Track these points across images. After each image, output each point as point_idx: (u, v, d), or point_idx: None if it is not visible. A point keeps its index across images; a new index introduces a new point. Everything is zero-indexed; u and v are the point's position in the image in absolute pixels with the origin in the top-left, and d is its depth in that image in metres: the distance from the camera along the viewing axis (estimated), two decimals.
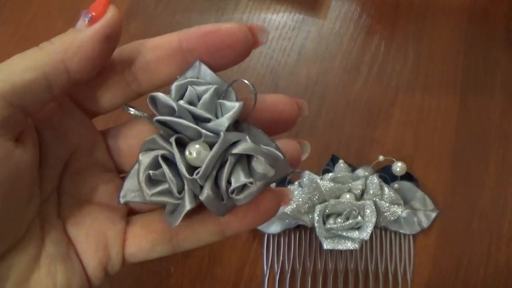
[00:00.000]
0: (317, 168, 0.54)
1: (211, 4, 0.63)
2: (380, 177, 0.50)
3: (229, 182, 0.29)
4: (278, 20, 0.62)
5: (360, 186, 0.49)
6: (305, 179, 0.49)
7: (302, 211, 0.48)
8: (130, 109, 0.32)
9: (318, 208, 0.48)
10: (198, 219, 0.33)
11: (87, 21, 0.29)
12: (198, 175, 0.29)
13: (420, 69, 0.59)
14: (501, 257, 0.51)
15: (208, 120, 0.30)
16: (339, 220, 0.47)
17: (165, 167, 0.30)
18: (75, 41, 0.29)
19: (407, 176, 0.52)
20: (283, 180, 0.52)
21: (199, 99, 0.30)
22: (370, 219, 0.47)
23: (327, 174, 0.51)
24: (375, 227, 0.49)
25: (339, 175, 0.50)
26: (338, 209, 0.48)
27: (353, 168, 0.52)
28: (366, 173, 0.51)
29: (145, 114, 0.32)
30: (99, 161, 0.33)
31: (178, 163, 0.29)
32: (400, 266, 0.50)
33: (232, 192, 0.29)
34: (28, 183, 0.29)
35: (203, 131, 0.29)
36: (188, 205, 0.29)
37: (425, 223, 0.51)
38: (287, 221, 0.50)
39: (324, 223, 0.48)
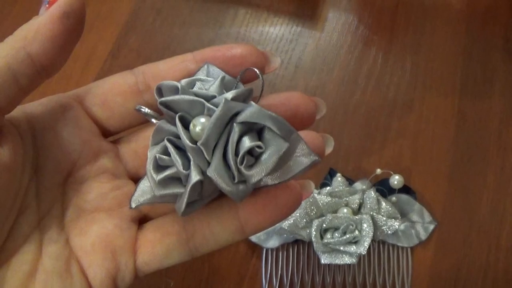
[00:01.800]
0: (315, 181, 0.54)
1: (209, 18, 0.63)
2: (378, 190, 0.50)
3: (237, 155, 0.28)
4: (276, 33, 0.62)
5: (357, 201, 0.49)
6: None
7: (299, 226, 0.48)
8: (142, 109, 0.31)
9: (315, 223, 0.48)
10: (214, 216, 0.31)
11: (47, 6, 0.28)
12: (200, 142, 0.27)
13: (418, 80, 0.59)
14: (500, 268, 0.51)
15: (213, 97, 0.29)
16: (337, 234, 0.48)
17: (170, 147, 0.28)
18: (33, 25, 0.28)
19: (405, 189, 0.53)
20: None
21: None
22: (367, 233, 0.47)
23: (324, 188, 0.51)
24: (373, 240, 0.49)
25: (337, 189, 0.50)
26: (336, 224, 0.48)
27: (350, 182, 0.52)
28: (364, 187, 0.51)
29: (157, 113, 0.31)
30: (107, 168, 0.32)
31: (181, 137, 0.28)
32: (398, 279, 0.50)
33: (242, 162, 0.27)
34: (9, 189, 0.28)
35: (207, 104, 0.28)
36: (194, 177, 0.27)
37: (423, 236, 0.51)
38: (285, 235, 0.50)
39: (322, 237, 0.48)
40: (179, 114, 0.28)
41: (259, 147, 0.27)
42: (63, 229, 0.32)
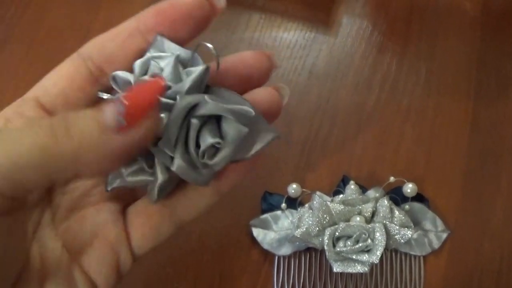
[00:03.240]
0: (329, 188, 0.54)
1: (222, 22, 0.63)
2: (391, 198, 0.50)
3: (198, 147, 0.29)
4: (289, 39, 0.62)
5: (370, 209, 0.49)
6: (315, 202, 0.49)
7: (312, 234, 0.48)
8: (104, 95, 0.31)
9: (328, 231, 0.48)
10: (188, 186, 0.33)
11: (118, 117, 0.25)
12: (160, 142, 0.28)
13: (432, 86, 0.59)
14: None
15: (169, 88, 0.29)
16: (349, 243, 0.47)
17: None
18: (97, 148, 0.25)
19: (418, 197, 0.52)
20: (294, 202, 0.52)
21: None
22: (380, 242, 0.47)
23: (337, 196, 0.51)
24: (385, 249, 0.48)
25: (350, 197, 0.50)
26: (348, 232, 0.48)
27: (364, 190, 0.52)
28: (377, 195, 0.51)
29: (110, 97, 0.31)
30: None
31: None
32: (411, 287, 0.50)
33: (203, 156, 0.29)
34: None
35: (162, 100, 0.28)
36: (160, 177, 0.29)
37: (436, 244, 0.51)
38: (298, 243, 0.50)
39: (334, 246, 0.48)
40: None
41: (218, 144, 0.29)
42: (56, 234, 0.32)
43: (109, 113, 0.25)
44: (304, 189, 0.53)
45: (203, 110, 0.28)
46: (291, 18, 0.63)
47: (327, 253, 0.47)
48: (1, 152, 0.24)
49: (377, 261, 0.46)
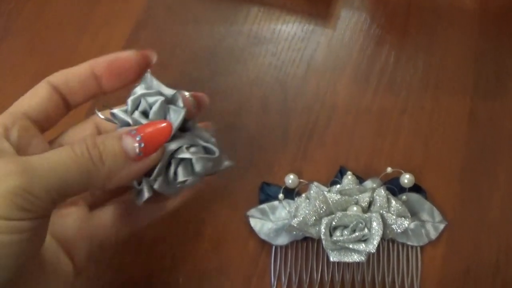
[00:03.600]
0: (326, 179, 0.54)
1: (221, 15, 0.63)
2: (388, 189, 0.50)
3: (175, 173, 0.38)
4: (288, 31, 0.62)
5: (367, 199, 0.48)
6: (312, 192, 0.49)
7: (308, 223, 0.48)
8: (100, 114, 0.39)
9: (324, 220, 0.48)
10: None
11: (138, 150, 0.35)
12: (152, 177, 0.37)
13: (430, 79, 0.59)
14: (509, 270, 0.51)
15: None
16: (346, 232, 0.47)
17: None
18: (121, 171, 0.35)
19: (415, 188, 0.52)
20: (291, 192, 0.52)
21: (151, 108, 0.37)
22: (376, 232, 0.47)
23: (334, 186, 0.51)
24: (382, 239, 0.48)
25: (347, 187, 0.50)
26: (345, 222, 0.48)
27: (361, 180, 0.52)
28: (374, 185, 0.51)
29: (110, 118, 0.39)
30: None
31: None
32: (407, 278, 0.50)
33: (176, 181, 0.38)
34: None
35: None
36: (146, 194, 0.37)
37: (433, 235, 0.51)
38: (295, 233, 0.50)
39: (331, 235, 0.48)
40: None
41: (187, 180, 0.38)
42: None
43: (131, 146, 0.34)
44: (301, 180, 0.53)
45: (181, 155, 0.37)
46: (289, 11, 0.63)
47: (323, 242, 0.47)
48: (54, 175, 0.31)
49: (374, 251, 0.46)
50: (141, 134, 0.35)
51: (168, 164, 0.38)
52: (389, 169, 0.51)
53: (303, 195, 0.51)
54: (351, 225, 0.47)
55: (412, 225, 0.51)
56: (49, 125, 0.40)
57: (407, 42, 0.61)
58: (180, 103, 0.38)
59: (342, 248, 0.48)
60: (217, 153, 0.39)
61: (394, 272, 0.50)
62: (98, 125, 0.43)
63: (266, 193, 0.53)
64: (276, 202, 0.52)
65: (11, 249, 0.31)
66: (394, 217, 0.48)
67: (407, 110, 0.57)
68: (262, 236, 0.51)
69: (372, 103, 0.58)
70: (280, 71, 0.60)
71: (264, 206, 0.52)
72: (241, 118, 0.58)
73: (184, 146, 0.37)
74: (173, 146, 0.37)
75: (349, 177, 0.51)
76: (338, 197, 0.48)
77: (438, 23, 0.62)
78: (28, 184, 0.30)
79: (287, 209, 0.52)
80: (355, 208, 0.48)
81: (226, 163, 0.41)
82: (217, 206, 0.54)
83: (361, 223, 0.47)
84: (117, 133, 0.35)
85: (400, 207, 0.48)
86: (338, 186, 0.50)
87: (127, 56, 0.41)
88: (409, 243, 0.51)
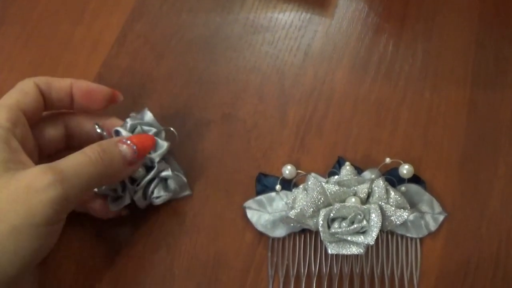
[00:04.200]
0: (324, 170, 0.53)
1: (217, 3, 0.63)
2: (387, 180, 0.49)
3: (152, 192, 0.50)
4: (285, 20, 0.61)
5: (365, 190, 0.48)
6: (310, 183, 0.48)
7: (306, 215, 0.47)
8: (98, 128, 0.48)
9: (322, 212, 0.47)
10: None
11: (133, 156, 0.44)
12: (138, 187, 0.49)
13: (429, 68, 0.58)
14: (510, 263, 0.50)
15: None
16: (344, 224, 0.47)
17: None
18: (121, 173, 0.44)
19: (415, 179, 0.52)
20: (288, 184, 0.52)
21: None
22: (375, 223, 0.46)
23: (332, 177, 0.50)
24: (381, 230, 0.48)
25: (345, 178, 0.49)
26: (343, 213, 0.47)
27: (359, 171, 0.51)
28: (373, 176, 0.50)
29: (105, 133, 0.49)
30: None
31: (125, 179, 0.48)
32: (407, 270, 0.50)
33: (153, 198, 0.50)
34: None
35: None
36: (127, 200, 0.49)
37: (433, 227, 0.51)
38: (292, 225, 0.49)
39: (329, 227, 0.47)
40: None
41: (162, 195, 0.50)
42: None
43: (129, 153, 0.43)
44: (299, 171, 0.52)
45: (165, 175, 0.50)
46: None
47: (321, 234, 0.47)
48: (81, 182, 0.38)
49: (373, 243, 0.46)
50: (134, 141, 0.44)
51: (150, 182, 0.49)
52: (387, 160, 0.51)
53: (301, 186, 0.50)
54: (350, 216, 0.46)
55: (411, 217, 0.50)
56: (31, 123, 0.44)
57: (406, 30, 0.60)
58: (163, 136, 0.51)
59: (340, 240, 0.47)
60: (185, 180, 0.52)
61: (393, 264, 0.50)
62: (66, 125, 0.48)
63: (263, 184, 0.53)
64: (273, 194, 0.52)
65: (45, 251, 0.38)
66: (393, 208, 0.47)
67: (406, 100, 0.57)
68: (259, 228, 0.51)
69: (370, 93, 0.57)
70: (277, 60, 0.59)
71: (261, 197, 0.52)
72: (237, 108, 0.57)
73: (169, 169, 0.50)
74: (160, 167, 0.49)
75: (347, 168, 0.50)
76: (336, 188, 0.47)
77: (437, 11, 0.61)
78: (66, 193, 0.36)
79: (285, 200, 0.51)
80: (353, 200, 0.47)
81: (187, 192, 0.53)
82: (213, 197, 0.53)
83: (360, 214, 0.46)
84: (114, 141, 0.43)
85: (399, 198, 0.47)
86: (336, 177, 0.50)
87: (102, 90, 0.48)
88: (408, 235, 0.50)
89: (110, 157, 0.41)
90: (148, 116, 0.51)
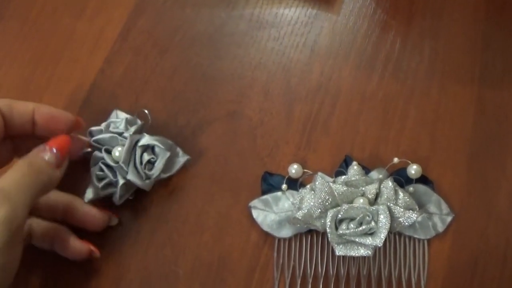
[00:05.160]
0: (330, 168, 0.53)
1: None
2: (395, 180, 0.49)
3: (142, 164, 0.50)
4: (290, 15, 0.61)
5: (374, 190, 0.47)
6: (317, 183, 0.47)
7: (313, 216, 0.47)
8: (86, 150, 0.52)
9: (330, 213, 0.46)
10: None
11: (57, 157, 0.45)
12: (121, 161, 0.49)
13: (437, 66, 0.58)
14: None
15: (122, 133, 0.51)
16: (352, 225, 0.46)
17: (103, 167, 0.50)
18: (51, 175, 0.44)
19: (422, 179, 0.51)
20: (295, 183, 0.51)
21: (117, 127, 0.52)
22: (384, 225, 0.45)
23: (340, 177, 0.49)
24: (389, 232, 0.47)
25: (353, 178, 0.48)
26: (351, 214, 0.46)
27: (367, 171, 0.51)
28: (381, 176, 0.49)
29: (88, 150, 0.52)
30: None
31: (107, 160, 0.50)
32: (414, 272, 0.49)
33: (145, 168, 0.50)
34: None
35: (119, 137, 0.51)
36: (120, 181, 0.50)
37: (440, 228, 0.50)
38: (298, 225, 0.48)
39: (337, 228, 0.47)
40: (104, 147, 0.51)
41: (153, 158, 0.51)
42: None
43: (53, 157, 0.44)
44: (305, 170, 0.51)
45: (142, 142, 0.51)
46: None
47: (329, 236, 0.46)
48: (25, 195, 0.40)
49: (381, 245, 0.45)
50: (52, 145, 0.45)
51: (134, 157, 0.50)
52: (395, 160, 0.50)
53: (308, 186, 0.49)
54: (358, 218, 0.46)
55: (419, 218, 0.49)
56: None
57: (413, 28, 0.59)
58: (138, 122, 0.53)
59: (348, 241, 0.46)
60: (170, 142, 0.52)
61: (401, 266, 0.49)
62: (3, 114, 0.46)
63: (268, 183, 0.52)
64: (279, 193, 0.51)
65: (8, 277, 0.39)
66: (402, 210, 0.46)
67: (413, 98, 0.56)
68: (265, 228, 0.50)
69: (377, 90, 0.56)
70: (283, 56, 0.58)
71: (267, 196, 0.51)
72: (242, 105, 0.56)
73: (144, 133, 0.52)
74: (134, 136, 0.51)
75: (354, 168, 0.49)
76: (344, 188, 0.47)
77: (444, 8, 0.60)
78: (14, 209, 0.38)
79: (291, 200, 0.50)
80: (361, 200, 0.47)
81: (185, 157, 0.53)
82: (218, 196, 0.53)
83: (368, 216, 0.46)
84: (36, 152, 0.44)
85: (408, 200, 0.47)
86: (343, 177, 0.49)
87: (65, 116, 0.48)
88: (416, 236, 0.50)
89: (38, 167, 0.42)
90: (115, 112, 0.54)
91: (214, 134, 0.55)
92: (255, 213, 0.51)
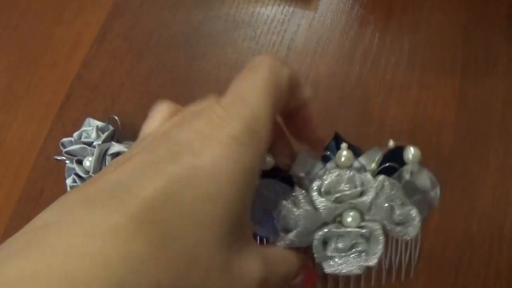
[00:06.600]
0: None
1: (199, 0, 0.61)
2: (389, 169, 0.42)
3: None
4: (267, 14, 0.60)
5: (367, 203, 0.39)
6: (300, 197, 0.39)
7: (306, 234, 0.40)
8: (58, 158, 0.52)
9: (316, 236, 0.39)
10: None
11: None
12: (91, 172, 0.49)
13: (417, 61, 0.57)
14: (503, 260, 0.49)
15: (92, 143, 0.51)
16: (340, 245, 0.39)
17: (76, 178, 0.50)
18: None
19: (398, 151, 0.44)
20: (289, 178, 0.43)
21: (88, 135, 0.52)
22: (378, 250, 0.39)
23: (324, 178, 0.40)
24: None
25: (340, 188, 0.40)
26: (340, 234, 0.40)
27: (358, 152, 0.43)
28: (373, 165, 0.42)
29: (63, 158, 0.52)
30: None
31: (78, 171, 0.50)
32: (405, 260, 0.46)
33: None
34: None
35: (88, 147, 0.51)
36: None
37: (436, 200, 0.43)
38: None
39: (324, 246, 0.40)
40: (75, 158, 0.51)
41: None
42: None
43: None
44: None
45: (111, 150, 0.50)
46: None
47: (315, 255, 0.39)
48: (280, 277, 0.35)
49: (375, 264, 0.39)
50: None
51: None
52: (391, 143, 0.43)
53: (289, 200, 0.40)
54: (349, 242, 0.40)
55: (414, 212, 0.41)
56: None
57: (392, 22, 0.58)
58: (110, 127, 0.52)
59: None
60: None
61: (392, 252, 0.46)
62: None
63: None
64: None
65: None
66: (398, 229, 0.40)
67: (393, 94, 0.55)
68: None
69: (356, 87, 0.55)
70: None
71: None
72: None
73: (112, 142, 0.52)
74: (103, 146, 0.51)
75: (344, 153, 0.42)
76: (330, 204, 0.39)
77: (424, 1, 0.59)
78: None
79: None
80: (351, 217, 0.39)
81: None
82: None
83: (360, 240, 0.40)
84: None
85: (405, 213, 0.40)
86: (332, 163, 0.42)
87: (314, 130, 0.42)
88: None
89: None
90: (88, 120, 0.53)
91: None
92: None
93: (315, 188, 0.39)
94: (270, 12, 0.60)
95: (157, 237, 0.24)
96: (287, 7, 0.60)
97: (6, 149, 0.56)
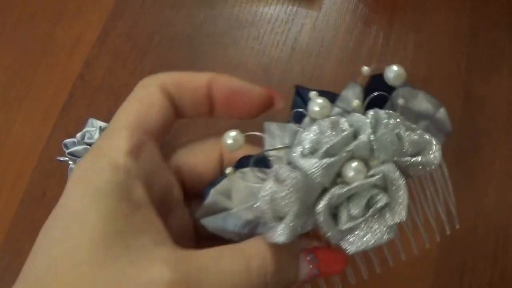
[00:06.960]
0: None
1: None
2: (376, 100, 0.34)
3: None
4: (270, 13, 0.59)
5: (366, 143, 0.29)
6: (282, 170, 0.28)
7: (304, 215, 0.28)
8: (61, 158, 0.53)
9: (320, 209, 0.28)
10: None
11: (310, 269, 0.29)
12: None
13: (421, 60, 0.56)
14: (508, 261, 0.49)
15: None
16: (355, 210, 0.28)
17: None
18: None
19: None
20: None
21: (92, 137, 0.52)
22: (398, 193, 0.29)
23: (300, 146, 0.29)
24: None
25: (330, 140, 0.28)
26: (350, 195, 0.28)
27: (334, 97, 0.35)
28: (357, 101, 0.33)
29: (66, 159, 0.52)
30: None
31: None
32: (440, 205, 0.36)
33: None
34: None
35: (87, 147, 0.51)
36: None
37: (448, 124, 0.35)
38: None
39: (335, 219, 0.29)
40: (79, 159, 0.51)
41: None
42: None
43: (305, 272, 0.29)
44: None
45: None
46: None
47: (328, 235, 0.28)
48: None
49: (406, 218, 0.28)
50: (317, 259, 0.29)
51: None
52: (365, 69, 0.35)
53: (272, 176, 0.29)
54: (363, 202, 0.29)
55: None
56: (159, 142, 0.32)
57: (396, 21, 0.58)
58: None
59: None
60: None
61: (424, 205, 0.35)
62: (221, 152, 0.34)
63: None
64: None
65: None
66: (417, 160, 0.31)
67: None
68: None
69: None
70: (263, 56, 0.57)
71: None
72: None
73: None
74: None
75: (318, 101, 0.32)
76: (323, 161, 0.28)
77: (427, 1, 0.59)
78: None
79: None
80: (354, 166, 0.29)
81: None
82: None
83: (376, 192, 0.29)
84: (295, 252, 0.29)
85: (417, 140, 0.31)
86: (307, 121, 0.33)
87: (252, 91, 0.34)
88: None
89: (280, 280, 0.28)
90: (91, 120, 0.53)
91: (195, 137, 0.54)
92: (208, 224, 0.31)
93: (297, 154, 0.29)
94: (274, 11, 0.60)
95: None
96: (290, 7, 0.60)
97: (8, 150, 0.56)
